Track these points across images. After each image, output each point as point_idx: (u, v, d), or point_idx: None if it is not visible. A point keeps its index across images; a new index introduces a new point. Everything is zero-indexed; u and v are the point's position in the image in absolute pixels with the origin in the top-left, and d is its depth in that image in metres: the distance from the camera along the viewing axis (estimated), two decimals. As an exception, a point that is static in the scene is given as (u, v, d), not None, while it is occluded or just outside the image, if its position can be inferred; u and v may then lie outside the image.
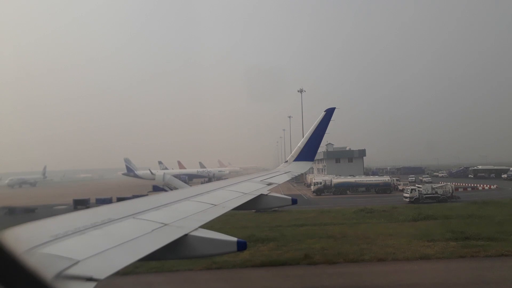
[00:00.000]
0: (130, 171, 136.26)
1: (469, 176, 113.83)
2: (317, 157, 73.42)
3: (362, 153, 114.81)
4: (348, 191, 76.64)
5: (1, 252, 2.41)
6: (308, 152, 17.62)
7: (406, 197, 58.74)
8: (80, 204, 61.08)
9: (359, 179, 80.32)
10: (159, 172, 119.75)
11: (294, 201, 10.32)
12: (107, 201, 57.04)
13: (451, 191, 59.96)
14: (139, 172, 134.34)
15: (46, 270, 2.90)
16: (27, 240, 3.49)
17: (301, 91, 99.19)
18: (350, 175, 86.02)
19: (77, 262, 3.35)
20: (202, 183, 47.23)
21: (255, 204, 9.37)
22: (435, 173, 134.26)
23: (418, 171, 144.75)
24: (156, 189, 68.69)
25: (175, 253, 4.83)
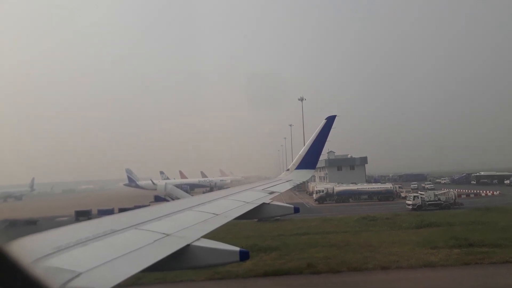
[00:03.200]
0: (131, 181, 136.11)
1: (472, 182, 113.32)
2: (318, 165, 73.23)
3: (363, 160, 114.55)
4: (350, 199, 76.41)
5: (7, 263, 2.41)
6: (309, 160, 17.58)
7: (408, 204, 58.48)
8: (82, 215, 60.84)
9: (361, 187, 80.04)
10: (160, 182, 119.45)
11: (296, 210, 10.25)
12: (109, 212, 56.86)
13: (454, 197, 59.76)
14: (140, 183, 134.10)
15: (49, 282, 2.88)
16: (29, 253, 3.48)
17: (301, 99, 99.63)
18: (352, 183, 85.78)
19: (79, 274, 3.33)
20: (204, 192, 47.07)
21: (257, 213, 9.32)
22: (437, 180, 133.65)
23: (420, 178, 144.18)
24: (158, 199, 68.37)
25: (178, 264, 4.79)
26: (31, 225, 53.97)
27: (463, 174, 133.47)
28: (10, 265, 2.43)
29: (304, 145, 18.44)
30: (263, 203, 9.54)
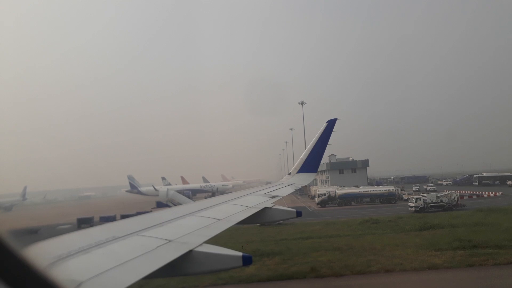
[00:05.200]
0: (133, 188, 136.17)
1: (474, 183, 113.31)
2: (320, 168, 73.32)
3: (365, 163, 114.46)
4: (352, 202, 76.35)
5: (21, 268, 2.41)
6: (311, 164, 17.59)
7: (411, 207, 58.37)
8: (84, 223, 60.82)
9: (363, 190, 79.99)
10: (162, 188, 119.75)
11: (298, 214, 10.20)
12: (111, 219, 56.88)
13: (456, 199, 59.64)
14: (142, 189, 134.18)
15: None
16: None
17: (302, 103, 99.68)
18: (354, 186, 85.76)
19: (80, 284, 3.30)
20: (205, 197, 47.08)
21: (259, 218, 9.29)
22: (439, 182, 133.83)
23: (422, 180, 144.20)
24: (160, 205, 68.55)
25: (180, 270, 4.77)
26: (32, 234, 53.76)
27: (465, 175, 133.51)
28: (25, 270, 2.43)
29: (305, 149, 18.44)
30: (265, 208, 9.51)
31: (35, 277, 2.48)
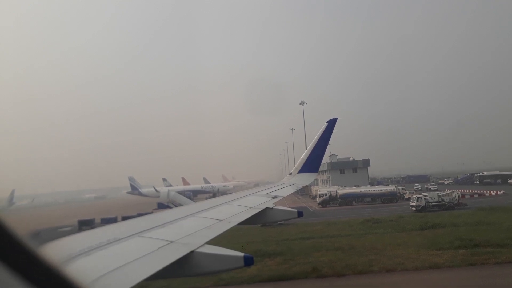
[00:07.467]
0: (134, 189, 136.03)
1: (475, 182, 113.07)
2: (321, 168, 73.19)
3: (366, 163, 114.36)
4: (353, 202, 76.28)
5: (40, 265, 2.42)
6: (312, 164, 17.56)
7: (412, 206, 58.34)
8: (85, 225, 60.72)
9: (365, 189, 79.87)
10: (163, 189, 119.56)
11: (300, 214, 10.18)
12: (112, 220, 56.80)
13: (457, 198, 59.61)
14: (143, 190, 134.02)
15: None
16: None
17: (302, 103, 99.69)
18: (355, 186, 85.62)
19: (82, 286, 3.29)
20: (206, 198, 47.10)
21: (260, 218, 9.26)
22: (440, 181, 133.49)
23: (423, 179, 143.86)
24: (161, 206, 68.66)
25: (182, 271, 4.76)
26: (33, 237, 53.59)
27: (466, 174, 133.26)
28: (43, 267, 2.44)
29: (306, 149, 18.41)
30: (267, 208, 9.48)
31: (50, 274, 2.50)
